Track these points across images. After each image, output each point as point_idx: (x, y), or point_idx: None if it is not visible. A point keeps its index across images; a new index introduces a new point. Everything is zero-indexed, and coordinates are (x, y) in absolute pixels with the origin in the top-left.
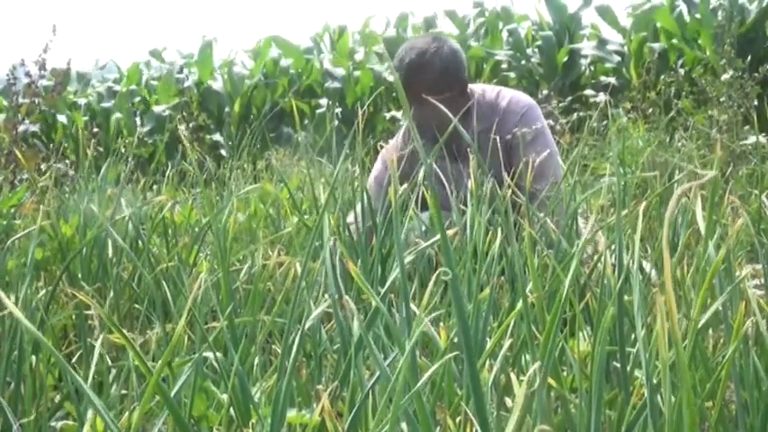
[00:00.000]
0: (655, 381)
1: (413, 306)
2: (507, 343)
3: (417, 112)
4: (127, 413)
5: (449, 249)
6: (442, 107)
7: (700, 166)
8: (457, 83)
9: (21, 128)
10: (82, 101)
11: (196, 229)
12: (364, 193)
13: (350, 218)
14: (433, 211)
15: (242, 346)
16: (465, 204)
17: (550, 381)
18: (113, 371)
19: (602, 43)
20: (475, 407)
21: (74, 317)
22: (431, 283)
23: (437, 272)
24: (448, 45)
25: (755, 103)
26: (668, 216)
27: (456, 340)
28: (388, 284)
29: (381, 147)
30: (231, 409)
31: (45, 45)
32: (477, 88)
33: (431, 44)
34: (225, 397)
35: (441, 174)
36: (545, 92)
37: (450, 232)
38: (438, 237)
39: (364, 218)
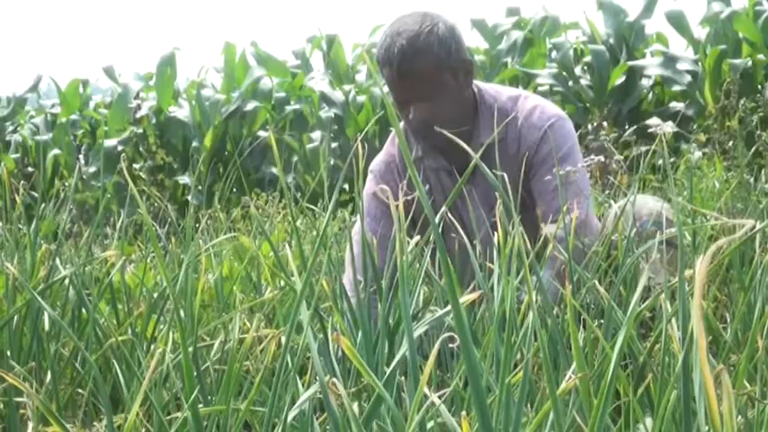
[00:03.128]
0: None
1: (427, 391)
2: None
3: (417, 114)
4: None
5: (462, 316)
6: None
7: None
8: (460, 66)
9: None
10: (14, 136)
11: (155, 295)
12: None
13: (346, 278)
14: (446, 277)
15: None
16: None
17: None
18: None
19: (669, 60)
20: None
21: (1, 405)
22: (432, 357)
23: (439, 340)
24: (442, 21)
25: None
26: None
27: None
28: (394, 363)
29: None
30: None
31: None
32: (487, 88)
33: (423, 23)
34: None
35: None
36: (596, 122)
37: (472, 296)
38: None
39: (366, 277)
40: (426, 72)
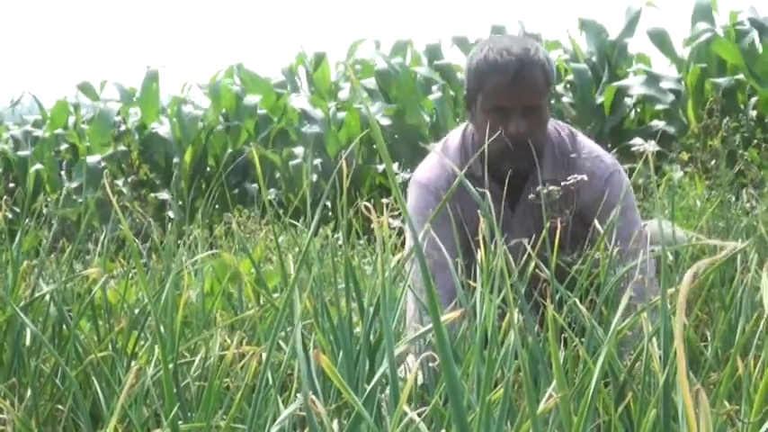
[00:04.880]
0: None
1: (407, 409)
2: None
3: (518, 126)
4: None
5: (443, 336)
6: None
7: None
8: (551, 94)
9: None
10: None
11: (135, 311)
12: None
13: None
14: (423, 276)
15: None
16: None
17: None
18: None
19: (652, 78)
20: None
21: None
22: (412, 375)
23: (419, 358)
24: (540, 46)
25: None
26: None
27: None
28: (374, 381)
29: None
30: None
31: None
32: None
33: (525, 42)
34: None
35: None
36: None
37: (453, 314)
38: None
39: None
40: (538, 82)
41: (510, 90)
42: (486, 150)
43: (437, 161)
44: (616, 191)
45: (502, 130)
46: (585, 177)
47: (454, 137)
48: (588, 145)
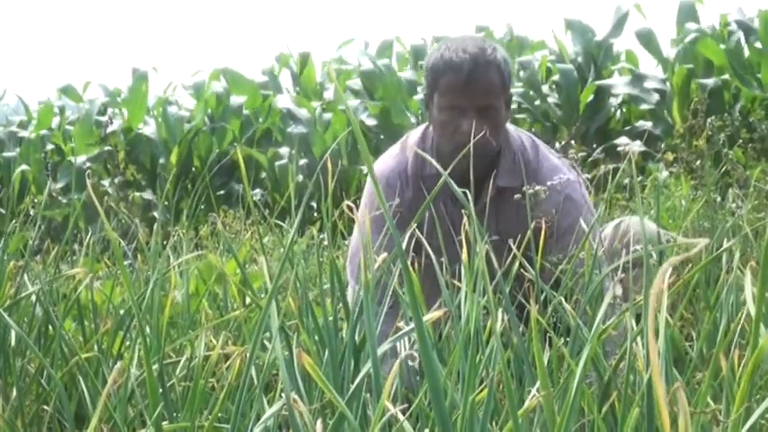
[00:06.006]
0: None
1: (391, 408)
2: None
3: (470, 126)
4: None
5: (425, 335)
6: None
7: (753, 232)
8: (508, 96)
9: None
10: None
11: (121, 312)
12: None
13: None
14: (410, 294)
15: None
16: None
17: None
18: None
19: (637, 79)
20: None
21: None
22: (392, 373)
23: (400, 357)
24: (499, 47)
25: None
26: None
27: None
28: (358, 380)
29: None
30: None
31: None
32: (510, 130)
33: (484, 43)
34: None
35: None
36: (565, 140)
37: (437, 314)
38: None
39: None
40: (493, 82)
41: (463, 89)
42: (439, 149)
43: (394, 153)
44: (573, 206)
45: (455, 129)
46: (549, 182)
47: (415, 133)
48: (550, 158)
